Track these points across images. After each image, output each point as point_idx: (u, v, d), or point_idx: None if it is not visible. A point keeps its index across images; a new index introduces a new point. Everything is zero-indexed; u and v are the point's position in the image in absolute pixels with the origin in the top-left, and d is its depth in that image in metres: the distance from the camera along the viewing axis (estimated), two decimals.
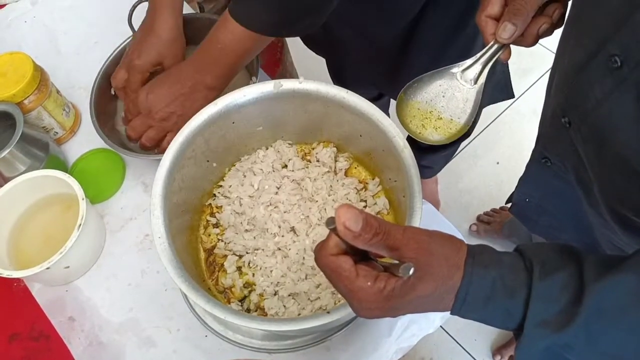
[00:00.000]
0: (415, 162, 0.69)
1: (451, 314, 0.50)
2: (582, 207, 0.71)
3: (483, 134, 1.93)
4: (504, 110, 1.97)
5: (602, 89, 0.51)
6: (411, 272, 0.43)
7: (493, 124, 1.95)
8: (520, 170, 1.80)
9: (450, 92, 0.65)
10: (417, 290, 0.46)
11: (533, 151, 0.76)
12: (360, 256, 0.49)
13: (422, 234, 0.48)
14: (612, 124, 0.51)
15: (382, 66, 1.11)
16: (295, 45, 1.33)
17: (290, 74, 1.48)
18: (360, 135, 0.78)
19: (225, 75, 0.81)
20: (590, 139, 0.57)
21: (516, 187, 0.84)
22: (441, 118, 0.66)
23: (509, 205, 1.71)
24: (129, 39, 0.97)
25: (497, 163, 1.89)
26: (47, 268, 0.77)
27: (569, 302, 0.46)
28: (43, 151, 0.90)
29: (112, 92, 0.95)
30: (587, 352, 0.46)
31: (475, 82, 0.65)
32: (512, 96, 1.20)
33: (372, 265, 0.49)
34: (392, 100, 1.50)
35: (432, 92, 0.66)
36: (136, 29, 0.95)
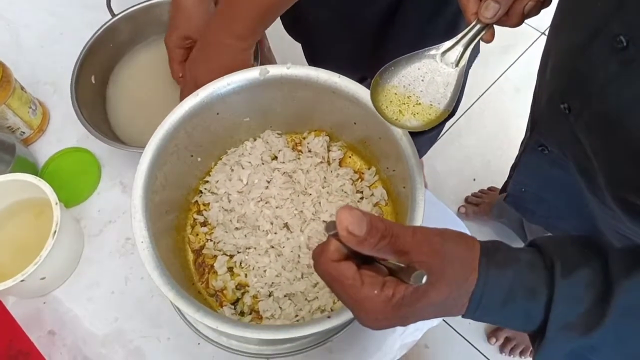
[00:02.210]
0: (416, 151, 0.64)
1: (464, 317, 0.45)
2: (583, 195, 0.68)
3: (467, 114, 1.90)
4: (487, 89, 1.94)
5: (607, 72, 0.47)
6: (424, 280, 0.38)
7: (476, 103, 1.92)
8: (507, 148, 1.80)
9: (430, 75, 0.60)
10: (430, 297, 0.42)
11: (527, 139, 0.72)
12: (362, 258, 0.44)
13: (434, 235, 0.43)
14: (620, 110, 0.47)
15: (364, 48, 1.06)
16: (269, 31, 1.28)
17: (269, 59, 1.42)
18: (355, 123, 0.73)
19: (254, 21, 0.73)
20: (595, 125, 0.52)
21: (510, 176, 0.80)
22: (420, 103, 0.61)
23: (497, 186, 1.71)
24: (108, 23, 0.91)
25: (483, 143, 1.85)
26: (22, 280, 0.71)
27: (595, 301, 0.42)
28: (9, 153, 0.83)
29: (92, 80, 0.89)
30: (614, 353, 0.43)
31: (457, 65, 0.60)
32: None
33: (376, 268, 0.44)
34: None
35: (410, 76, 0.61)
36: (116, 12, 0.90)
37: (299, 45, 1.30)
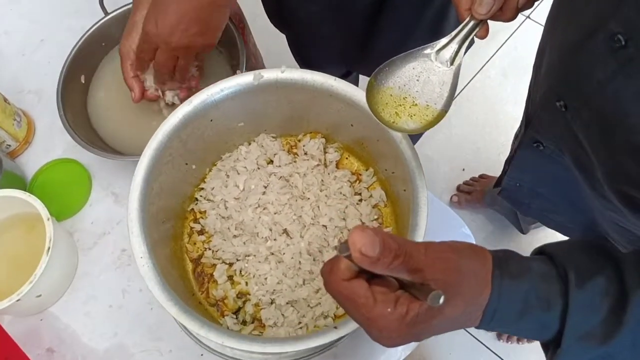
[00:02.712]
0: (416, 153, 0.63)
1: (477, 328, 0.45)
2: (579, 189, 0.68)
3: (455, 102, 1.88)
4: (474, 76, 1.93)
5: (605, 70, 0.46)
6: (441, 301, 0.37)
7: (464, 90, 1.91)
8: (496, 135, 1.80)
9: (425, 75, 0.59)
10: (445, 314, 0.41)
11: (522, 136, 0.72)
12: (371, 273, 0.43)
13: (448, 251, 0.42)
14: (619, 108, 0.46)
15: (351, 40, 1.05)
16: (253, 26, 1.26)
17: (255, 55, 1.40)
18: (352, 125, 0.71)
19: None
20: (593, 123, 0.52)
21: (504, 171, 0.80)
22: (416, 104, 0.59)
23: (488, 173, 1.71)
24: (101, 20, 0.88)
25: (472, 130, 1.85)
26: (18, 300, 0.69)
27: (611, 310, 0.41)
28: None
29: (82, 80, 0.87)
30: (630, 359, 0.42)
31: (452, 63, 0.59)
32: None
33: (386, 282, 0.43)
34: (360, 76, 1.44)
35: (405, 76, 0.59)
36: (109, 10, 0.88)
37: (283, 38, 1.28)
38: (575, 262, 0.43)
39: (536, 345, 1.58)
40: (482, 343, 1.55)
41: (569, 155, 0.61)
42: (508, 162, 0.77)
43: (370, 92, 0.59)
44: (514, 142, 0.76)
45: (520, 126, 0.75)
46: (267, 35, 1.25)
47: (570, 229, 0.79)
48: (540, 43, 0.65)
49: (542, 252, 0.46)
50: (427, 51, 0.59)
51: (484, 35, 0.57)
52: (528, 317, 0.42)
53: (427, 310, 0.40)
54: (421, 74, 0.59)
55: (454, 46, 0.58)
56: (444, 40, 0.58)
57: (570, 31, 0.52)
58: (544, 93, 0.60)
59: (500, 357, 1.53)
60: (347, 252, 0.38)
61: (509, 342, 1.53)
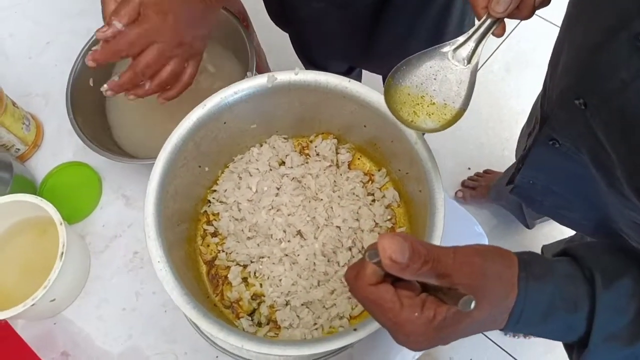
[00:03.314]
0: (432, 154, 0.63)
1: (502, 330, 0.45)
2: (595, 186, 0.67)
3: None
4: (477, 70, 1.93)
5: (629, 71, 0.46)
6: (472, 305, 0.37)
7: None
8: (500, 130, 1.80)
9: (442, 73, 0.59)
10: (472, 318, 0.41)
11: (537, 134, 0.71)
12: (394, 276, 0.43)
13: (474, 255, 0.42)
14: None
15: (354, 37, 1.04)
16: (255, 23, 1.25)
17: (259, 53, 1.40)
18: (365, 126, 0.71)
19: None
20: (613, 122, 0.51)
21: (517, 169, 0.80)
22: (434, 103, 0.59)
23: (492, 168, 1.71)
24: None
25: (476, 125, 1.85)
26: (32, 305, 0.69)
27: (638, 311, 0.42)
28: (7, 172, 0.81)
29: (91, 83, 0.86)
30: None
31: (469, 62, 0.59)
32: None
33: (410, 285, 0.43)
34: (363, 71, 1.43)
35: (422, 75, 0.59)
36: None
37: (285, 35, 1.28)
38: (601, 263, 0.43)
39: (543, 340, 1.58)
40: (488, 338, 1.55)
41: (587, 153, 0.61)
42: (521, 160, 0.76)
43: (388, 91, 0.59)
44: (527, 140, 0.76)
45: (534, 125, 0.74)
46: (268, 32, 1.24)
47: (583, 226, 0.79)
48: (557, 41, 0.64)
49: (566, 253, 0.47)
50: (444, 50, 0.58)
51: (500, 33, 0.57)
52: (554, 319, 0.43)
53: (455, 314, 0.40)
54: (438, 73, 0.59)
55: (471, 44, 0.58)
56: (461, 39, 0.58)
57: (591, 30, 0.52)
58: (562, 91, 0.59)
59: (506, 351, 1.54)
60: (377, 258, 0.38)
61: (516, 337, 1.53)
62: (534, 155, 0.74)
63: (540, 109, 0.72)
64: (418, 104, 0.60)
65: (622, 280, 0.42)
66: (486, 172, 1.71)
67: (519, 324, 0.43)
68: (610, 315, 0.41)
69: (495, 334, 1.56)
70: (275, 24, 1.18)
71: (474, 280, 0.40)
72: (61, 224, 0.73)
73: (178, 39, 0.66)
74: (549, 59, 0.70)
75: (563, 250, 0.47)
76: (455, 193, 1.72)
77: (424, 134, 0.63)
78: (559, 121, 0.64)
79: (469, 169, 1.76)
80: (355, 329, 0.57)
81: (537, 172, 0.77)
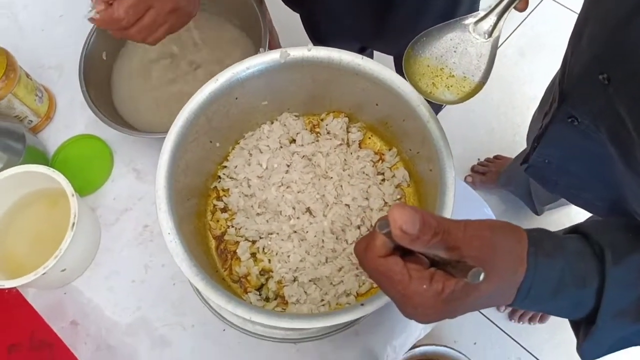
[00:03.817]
0: (444, 133, 0.63)
1: (510, 306, 0.45)
2: (612, 166, 0.67)
3: None
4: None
5: None
6: (482, 277, 0.37)
7: None
8: (511, 115, 1.78)
9: (463, 46, 0.59)
10: (480, 291, 0.41)
11: (556, 110, 0.71)
12: (402, 250, 0.43)
13: (485, 229, 0.42)
14: None
15: (365, 17, 1.03)
16: (268, 3, 1.25)
17: (271, 32, 1.39)
18: (377, 104, 0.71)
19: None
20: (639, 98, 0.51)
21: (533, 147, 0.79)
22: (453, 75, 0.59)
23: (503, 154, 1.70)
24: None
25: (487, 110, 1.84)
26: (44, 274, 0.70)
27: None
28: (20, 143, 0.81)
29: (104, 57, 0.86)
30: None
31: (490, 35, 0.58)
32: None
33: (418, 260, 0.43)
34: (374, 52, 1.42)
35: (442, 47, 0.59)
36: None
37: (295, 15, 1.27)
38: (610, 239, 0.43)
39: (547, 325, 1.60)
40: (493, 322, 1.56)
41: (606, 131, 0.60)
42: (537, 138, 0.76)
43: (407, 61, 0.59)
44: (543, 119, 0.75)
45: (552, 102, 0.73)
46: (279, 12, 1.23)
47: (598, 207, 0.78)
48: (581, 13, 0.63)
49: (576, 230, 0.47)
50: (467, 22, 0.58)
51: (523, 7, 0.56)
52: (563, 295, 0.43)
53: (463, 287, 0.40)
54: (459, 45, 0.59)
55: (493, 18, 0.57)
56: (483, 12, 0.57)
57: (619, 2, 0.51)
58: (585, 65, 0.58)
59: (511, 337, 1.55)
60: (387, 228, 0.39)
61: (521, 322, 1.54)
62: (551, 133, 0.73)
63: (559, 86, 0.71)
64: (437, 76, 0.60)
65: (632, 256, 0.42)
66: (496, 157, 1.71)
67: (527, 299, 0.43)
68: (619, 291, 0.41)
69: (500, 319, 1.56)
70: (286, 4, 1.17)
71: (483, 253, 0.40)
72: (73, 195, 0.73)
73: (172, 4, 0.66)
74: (567, 41, 0.69)
75: (574, 227, 0.47)
76: (465, 178, 1.72)
77: (439, 110, 0.63)
78: (579, 97, 0.63)
79: (479, 160, 1.75)
80: (362, 304, 0.57)
81: (553, 151, 0.76)
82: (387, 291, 0.43)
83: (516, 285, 0.42)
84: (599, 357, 0.46)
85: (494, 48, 0.58)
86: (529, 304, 0.44)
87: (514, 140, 1.77)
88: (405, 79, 0.62)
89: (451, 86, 0.60)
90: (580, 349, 0.46)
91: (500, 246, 0.42)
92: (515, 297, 0.43)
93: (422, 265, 0.43)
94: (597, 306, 0.42)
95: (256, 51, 0.82)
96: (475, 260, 0.40)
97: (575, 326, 0.47)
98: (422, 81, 0.60)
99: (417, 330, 0.76)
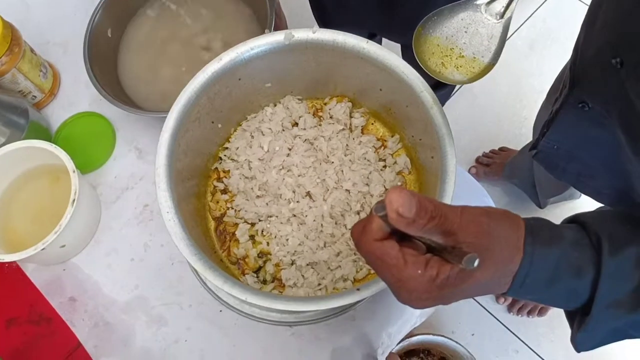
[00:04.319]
0: (447, 120, 0.62)
1: (505, 295, 0.45)
2: (620, 154, 0.66)
3: None
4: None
5: None
6: (476, 263, 0.37)
7: None
8: (519, 108, 1.77)
9: (474, 27, 0.58)
10: (475, 278, 0.41)
11: (566, 95, 0.70)
12: (400, 235, 0.43)
13: (482, 215, 0.42)
14: None
15: (374, 6, 1.03)
16: None
17: (279, 14, 1.39)
18: (381, 89, 0.70)
19: None
20: None
21: (542, 133, 0.78)
22: (463, 56, 0.59)
23: (508, 146, 1.69)
24: None
25: (495, 101, 1.82)
26: (43, 249, 0.70)
27: None
28: (23, 118, 0.81)
29: (109, 34, 0.86)
30: None
31: (502, 17, 0.57)
32: None
33: (415, 245, 0.43)
34: (383, 40, 1.41)
35: (453, 27, 0.59)
36: None
37: (305, 2, 1.27)
38: (608, 230, 0.43)
39: (545, 319, 1.59)
40: (491, 314, 1.56)
41: (617, 117, 0.59)
42: (547, 124, 0.75)
43: (417, 40, 0.59)
44: (553, 105, 0.75)
45: (562, 87, 0.73)
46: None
47: (605, 195, 0.78)
48: None
49: (575, 220, 0.46)
50: (478, 2, 0.58)
51: None
52: (558, 284, 0.42)
53: (458, 273, 0.40)
54: (470, 26, 0.58)
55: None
56: None
57: None
58: (598, 49, 0.58)
59: (509, 329, 1.55)
60: (383, 211, 0.38)
61: (519, 315, 1.54)
62: (561, 118, 0.72)
63: (570, 72, 0.70)
64: (447, 56, 0.59)
65: (629, 247, 0.42)
66: (501, 149, 1.70)
67: (522, 288, 0.43)
68: (614, 282, 0.41)
69: (499, 311, 1.57)
70: None
71: (479, 239, 0.40)
72: (74, 171, 0.74)
73: None
74: (576, 34, 0.68)
75: (573, 217, 0.47)
76: (469, 169, 1.71)
77: (446, 100, 0.62)
78: (591, 82, 0.63)
79: (484, 153, 1.74)
80: (358, 289, 0.57)
81: (562, 137, 0.76)
82: (382, 275, 0.43)
83: (512, 274, 0.42)
84: (592, 348, 0.46)
85: (505, 29, 0.58)
86: (524, 292, 0.43)
87: (520, 132, 1.76)
88: (416, 59, 0.61)
89: (460, 66, 0.59)
90: (574, 340, 0.46)
91: (497, 233, 0.41)
92: (511, 285, 0.43)
93: (418, 250, 0.42)
94: (592, 297, 0.42)
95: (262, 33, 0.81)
96: (471, 247, 0.40)
97: (570, 317, 0.47)
98: (431, 60, 0.59)
99: (413, 317, 0.76)
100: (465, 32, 0.58)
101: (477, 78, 0.59)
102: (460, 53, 0.59)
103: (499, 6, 0.57)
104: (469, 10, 0.58)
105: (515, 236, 0.42)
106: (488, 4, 0.57)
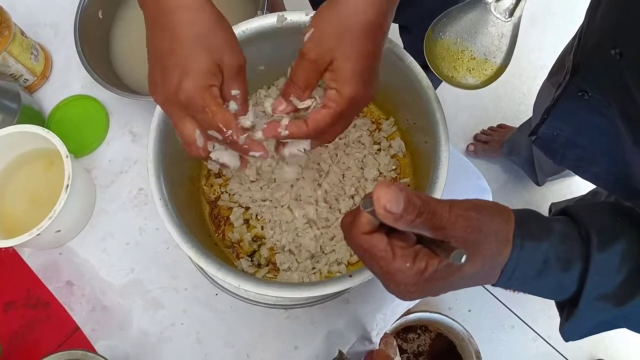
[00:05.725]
0: (441, 105, 0.62)
1: (494, 286, 0.45)
2: (619, 142, 0.66)
3: None
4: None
5: None
6: (463, 259, 0.37)
7: None
8: (518, 84, 1.76)
9: (483, 26, 0.57)
10: (464, 271, 0.41)
11: (567, 83, 0.69)
12: (389, 226, 0.42)
13: (471, 210, 0.41)
14: None
15: None
16: None
17: (278, 4, 1.37)
18: None
19: None
20: None
21: (543, 119, 0.78)
22: (474, 58, 0.58)
23: (507, 123, 1.68)
24: None
25: None
26: (38, 235, 0.70)
27: (632, 273, 0.41)
28: (15, 102, 0.81)
29: (100, 16, 0.85)
30: None
31: (511, 15, 0.56)
32: None
33: (405, 236, 0.43)
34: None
35: (462, 28, 0.58)
36: None
37: None
38: (598, 224, 0.42)
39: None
40: (488, 291, 1.58)
41: (617, 107, 0.59)
42: (547, 111, 0.75)
43: (428, 45, 0.58)
44: (555, 91, 0.74)
45: (565, 75, 0.72)
46: None
47: (604, 180, 0.78)
48: None
49: (565, 212, 0.46)
50: (487, 0, 0.56)
51: None
52: (546, 277, 0.43)
53: (446, 266, 0.40)
54: (479, 26, 0.58)
55: None
56: None
57: None
58: (599, 38, 0.57)
59: (506, 306, 1.56)
60: (371, 207, 0.38)
61: (516, 292, 1.55)
62: (562, 106, 0.72)
63: (573, 58, 0.69)
64: (458, 59, 0.59)
65: (618, 242, 0.41)
66: (500, 126, 1.69)
67: (511, 280, 0.43)
68: (602, 276, 0.41)
69: (495, 287, 1.58)
70: None
71: (468, 234, 0.40)
72: (67, 156, 0.73)
73: None
74: (579, 10, 0.67)
75: (562, 209, 0.47)
76: (467, 146, 1.70)
77: (440, 81, 0.61)
78: (591, 71, 0.62)
79: (482, 130, 1.73)
80: (350, 276, 0.57)
81: (562, 124, 0.75)
82: (371, 268, 0.43)
83: (500, 266, 0.42)
84: (579, 338, 0.46)
85: (516, 28, 0.57)
86: (512, 284, 0.43)
87: (519, 109, 1.74)
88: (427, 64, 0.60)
89: (473, 69, 0.59)
90: (562, 329, 0.46)
91: (486, 227, 0.41)
92: (499, 277, 0.43)
93: (407, 242, 0.42)
94: (580, 289, 0.42)
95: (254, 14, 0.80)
96: (459, 241, 0.40)
97: (560, 307, 0.47)
98: (442, 65, 0.59)
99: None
100: (475, 32, 0.58)
101: (491, 81, 0.58)
102: (472, 55, 0.58)
103: (507, 3, 0.56)
104: (477, 10, 0.57)
105: (505, 229, 0.42)
106: (497, 2, 0.56)
